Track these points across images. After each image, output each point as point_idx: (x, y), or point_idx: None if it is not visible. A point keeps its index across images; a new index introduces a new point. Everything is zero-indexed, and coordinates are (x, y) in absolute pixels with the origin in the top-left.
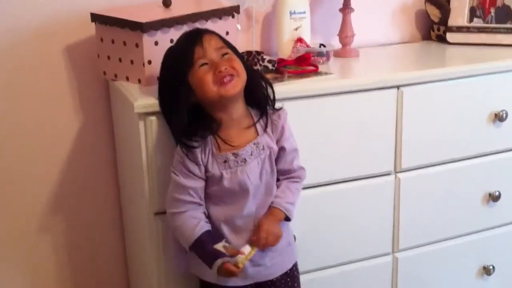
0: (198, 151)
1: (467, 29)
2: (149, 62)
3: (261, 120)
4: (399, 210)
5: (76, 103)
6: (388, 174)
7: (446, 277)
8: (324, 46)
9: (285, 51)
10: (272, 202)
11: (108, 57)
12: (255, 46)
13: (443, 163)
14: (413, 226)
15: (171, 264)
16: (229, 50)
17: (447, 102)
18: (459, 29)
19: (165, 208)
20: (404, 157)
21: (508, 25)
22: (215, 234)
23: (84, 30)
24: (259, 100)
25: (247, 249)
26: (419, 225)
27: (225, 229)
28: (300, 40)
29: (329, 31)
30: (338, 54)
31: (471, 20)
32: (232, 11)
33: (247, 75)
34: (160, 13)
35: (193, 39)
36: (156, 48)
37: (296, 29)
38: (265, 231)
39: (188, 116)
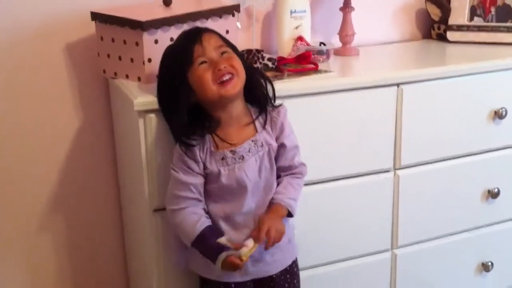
0: (196, 149)
1: (468, 28)
2: (149, 60)
3: (260, 117)
4: (398, 207)
5: (76, 101)
6: (387, 171)
7: (445, 274)
8: (324, 44)
9: (285, 49)
10: (273, 198)
11: (108, 56)
12: (255, 45)
13: (443, 160)
14: (412, 222)
15: (171, 262)
16: (228, 49)
17: (447, 100)
18: (460, 28)
19: (165, 205)
20: (403, 154)
21: (508, 24)
22: (216, 230)
23: (84, 28)
24: (258, 97)
25: (250, 242)
26: (418, 222)
27: (224, 226)
28: (300, 38)
29: (329, 29)
30: (338, 52)
31: (471, 19)
32: (232, 9)
33: (246, 73)
34: (161, 12)
35: (193, 37)
36: (156, 46)
37: (297, 27)
38: (268, 227)
39: (187, 114)
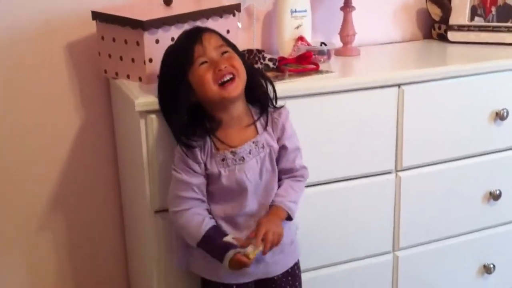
0: (197, 150)
1: (468, 28)
2: (150, 60)
3: (261, 119)
4: (399, 209)
5: (76, 101)
6: (389, 172)
7: (446, 276)
8: (325, 44)
9: (286, 49)
10: (274, 201)
11: (109, 55)
12: (256, 45)
13: (444, 162)
14: (413, 224)
15: (172, 263)
16: (229, 49)
17: (448, 101)
18: (460, 28)
19: (166, 206)
20: (405, 155)
21: (509, 24)
22: (220, 230)
23: (85, 28)
24: (259, 98)
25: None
26: (419, 224)
27: (225, 227)
28: (301, 38)
29: (330, 29)
30: (339, 52)
31: (472, 19)
32: (233, 9)
33: (247, 73)
34: (161, 11)
35: (193, 37)
36: (157, 46)
37: (297, 27)
38: (265, 230)
39: (188, 115)
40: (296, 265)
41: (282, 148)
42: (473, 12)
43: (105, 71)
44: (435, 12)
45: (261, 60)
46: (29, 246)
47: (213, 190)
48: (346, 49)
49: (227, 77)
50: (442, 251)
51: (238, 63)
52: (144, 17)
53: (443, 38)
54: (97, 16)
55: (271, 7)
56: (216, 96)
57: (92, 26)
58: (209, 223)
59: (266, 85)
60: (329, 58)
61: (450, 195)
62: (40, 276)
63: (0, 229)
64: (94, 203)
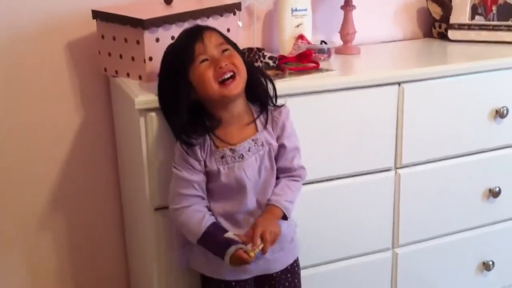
0: (197, 148)
1: (469, 27)
2: (150, 58)
3: (261, 117)
4: (399, 206)
5: (77, 100)
6: (388, 170)
7: (445, 273)
8: (326, 43)
9: (286, 48)
10: (270, 200)
11: (109, 54)
12: (256, 43)
13: (444, 159)
14: (413, 221)
15: (172, 260)
16: (229, 47)
17: (448, 99)
18: (461, 27)
19: (166, 203)
20: (404, 153)
21: (509, 23)
22: (221, 226)
23: (85, 27)
24: (259, 96)
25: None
26: (419, 221)
27: (225, 224)
28: (301, 37)
29: (330, 28)
30: (339, 51)
31: (472, 18)
32: (233, 8)
33: (247, 72)
34: (161, 10)
35: (194, 35)
36: (157, 45)
37: (298, 26)
38: (262, 230)
39: (188, 113)
40: (296, 263)
41: (281, 146)
42: (474, 11)
43: (105, 70)
44: (436, 11)
45: (261, 59)
46: (29, 246)
47: (212, 187)
48: (347, 48)
49: (228, 75)
50: (441, 248)
51: (239, 61)
52: (144, 16)
53: (443, 36)
54: (97, 15)
55: (271, 6)
56: (217, 94)
57: (92, 25)
58: (209, 219)
59: (266, 83)
60: (329, 56)
61: (450, 192)
62: (40, 276)
63: (0, 229)
64: (94, 202)
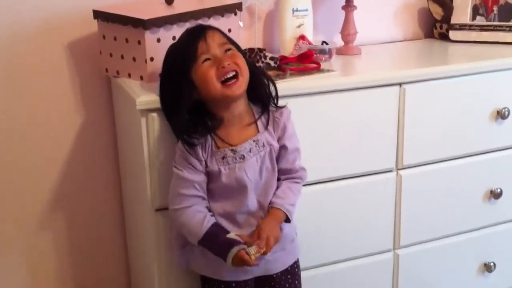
0: (198, 148)
1: (470, 27)
2: (151, 59)
3: (262, 117)
4: (400, 207)
5: (78, 100)
6: (389, 171)
7: (447, 274)
8: (327, 43)
9: (287, 48)
10: (273, 203)
11: (110, 54)
12: (257, 43)
13: (445, 160)
14: (414, 223)
15: (173, 261)
16: (232, 46)
17: (449, 100)
18: (462, 27)
19: (167, 204)
20: (405, 154)
21: (510, 23)
22: (222, 227)
23: (86, 27)
24: (261, 97)
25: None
26: (420, 222)
27: (225, 224)
28: (302, 37)
29: (331, 28)
30: (340, 51)
31: (473, 18)
32: (234, 8)
33: (249, 72)
34: (163, 10)
35: (197, 34)
36: (158, 45)
37: (299, 26)
38: (267, 235)
39: (190, 112)
40: (296, 264)
41: (282, 148)
42: (475, 11)
43: (106, 70)
44: (437, 11)
45: (262, 59)
46: (29, 246)
47: (213, 188)
48: (348, 48)
49: (230, 74)
50: (443, 249)
51: (241, 61)
52: (145, 16)
53: (444, 37)
54: (98, 15)
55: (272, 6)
56: (219, 94)
57: (93, 25)
58: (210, 220)
59: (268, 84)
60: (330, 57)
61: (451, 193)
62: (40, 276)
63: (0, 229)
64: (95, 203)
